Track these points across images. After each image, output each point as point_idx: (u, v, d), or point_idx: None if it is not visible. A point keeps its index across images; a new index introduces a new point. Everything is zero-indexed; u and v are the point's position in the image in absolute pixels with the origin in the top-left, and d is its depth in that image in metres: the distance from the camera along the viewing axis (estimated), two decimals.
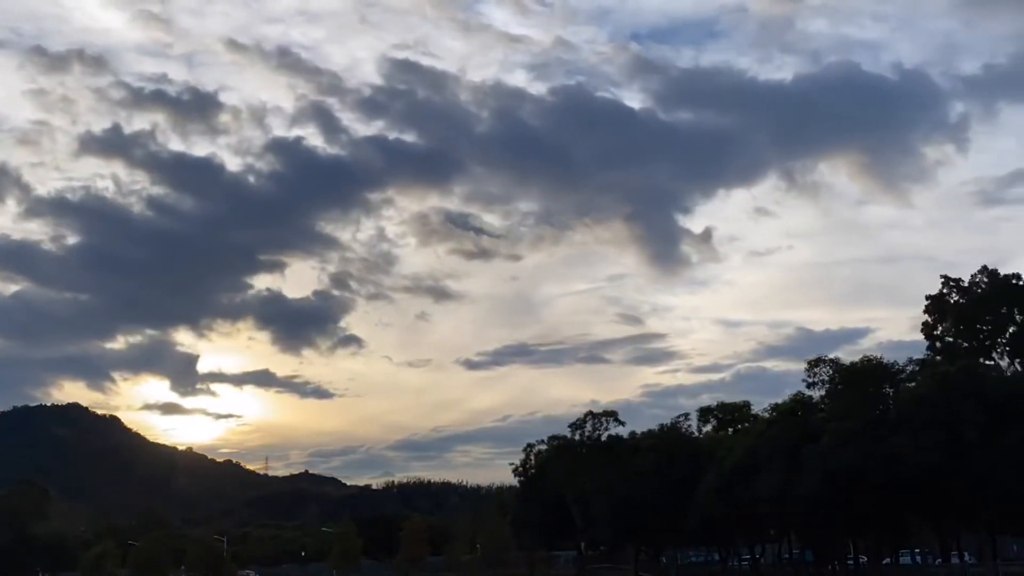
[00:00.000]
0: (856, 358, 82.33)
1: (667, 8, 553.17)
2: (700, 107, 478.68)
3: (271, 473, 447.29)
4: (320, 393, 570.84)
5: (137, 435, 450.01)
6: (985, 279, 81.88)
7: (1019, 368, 77.52)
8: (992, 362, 78.43)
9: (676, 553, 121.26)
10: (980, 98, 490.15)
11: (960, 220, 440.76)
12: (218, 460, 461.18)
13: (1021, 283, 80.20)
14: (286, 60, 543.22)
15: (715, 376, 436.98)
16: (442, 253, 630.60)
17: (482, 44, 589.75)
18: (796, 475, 74.54)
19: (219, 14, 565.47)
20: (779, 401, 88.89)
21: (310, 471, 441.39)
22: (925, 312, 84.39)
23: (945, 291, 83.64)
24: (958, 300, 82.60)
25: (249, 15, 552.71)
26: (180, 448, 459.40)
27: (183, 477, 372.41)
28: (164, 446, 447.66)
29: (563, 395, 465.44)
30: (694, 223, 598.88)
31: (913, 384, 75.09)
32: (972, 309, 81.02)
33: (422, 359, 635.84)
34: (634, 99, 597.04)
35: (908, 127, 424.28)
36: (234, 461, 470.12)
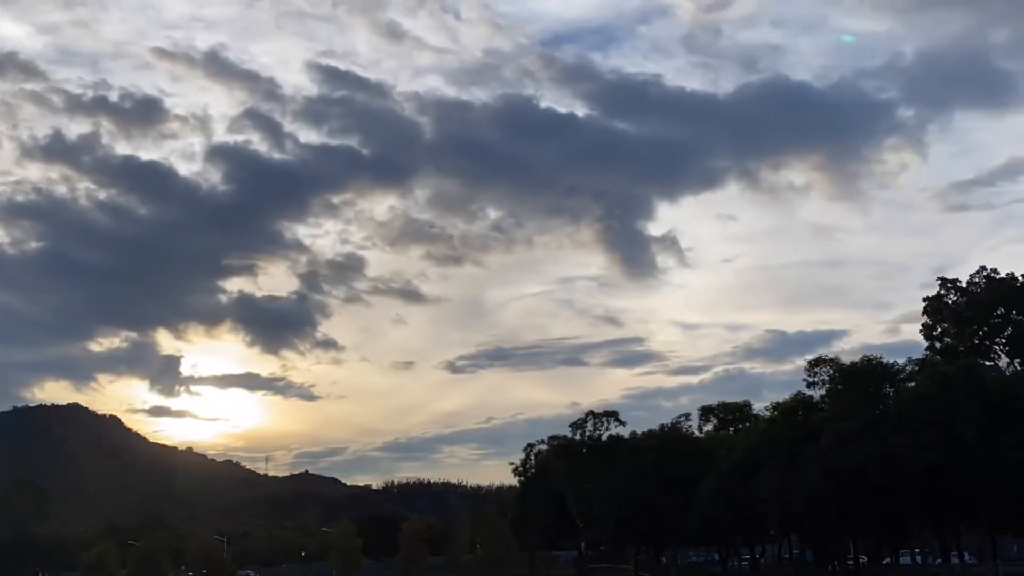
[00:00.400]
0: (849, 358, 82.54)
1: (589, 16, 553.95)
2: (644, 114, 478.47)
3: (271, 473, 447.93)
4: (303, 395, 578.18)
5: (137, 435, 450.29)
6: (983, 280, 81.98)
7: (1018, 368, 77.59)
8: (991, 362, 78.50)
9: (676, 553, 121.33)
10: (931, 104, 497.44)
11: (913, 224, 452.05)
12: (218, 460, 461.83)
13: (1019, 283, 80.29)
14: (220, 67, 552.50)
15: (694, 378, 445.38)
16: (413, 257, 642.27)
17: (407, 53, 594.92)
18: (796, 475, 74.65)
19: (148, 20, 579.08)
20: (770, 402, 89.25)
21: (309, 471, 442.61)
22: (924, 313, 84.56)
23: (943, 292, 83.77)
24: (956, 300, 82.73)
25: (178, 21, 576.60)
26: (180, 448, 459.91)
27: (183, 477, 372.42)
28: (164, 446, 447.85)
29: (543, 398, 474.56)
30: (657, 227, 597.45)
31: (913, 384, 75.16)
32: (970, 310, 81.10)
33: (402, 361, 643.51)
34: (572, 106, 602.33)
35: (859, 133, 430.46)
36: (234, 461, 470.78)
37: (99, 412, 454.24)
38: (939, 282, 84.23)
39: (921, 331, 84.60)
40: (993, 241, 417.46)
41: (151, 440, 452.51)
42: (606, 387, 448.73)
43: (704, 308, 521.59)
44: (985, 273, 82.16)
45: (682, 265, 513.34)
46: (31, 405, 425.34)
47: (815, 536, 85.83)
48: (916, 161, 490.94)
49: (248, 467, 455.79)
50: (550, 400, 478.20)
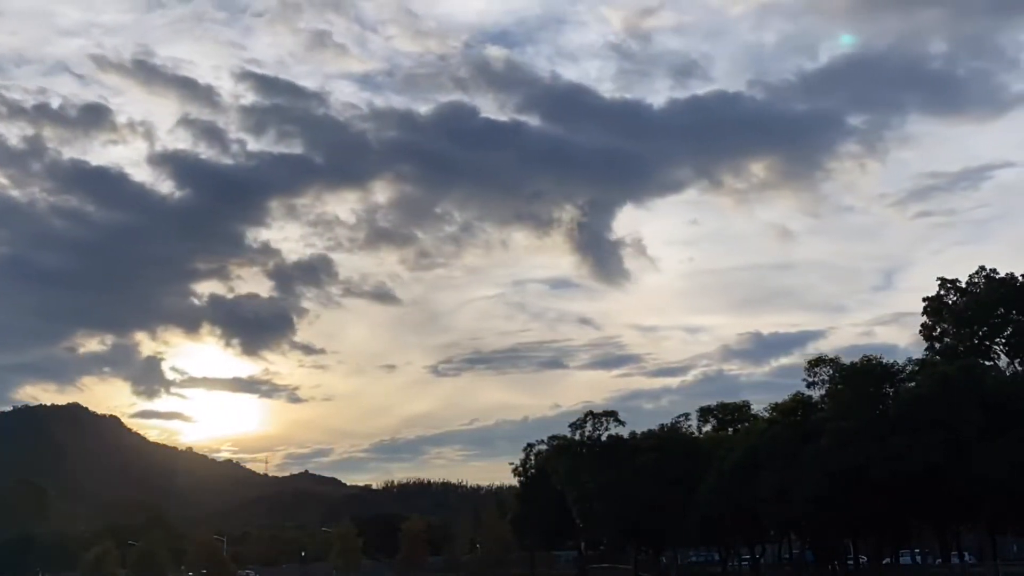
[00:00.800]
0: (848, 358, 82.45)
1: (514, 19, 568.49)
2: (589, 121, 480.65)
3: (271, 474, 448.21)
4: (285, 397, 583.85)
5: (137, 435, 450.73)
6: (983, 280, 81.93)
7: (1018, 368, 77.58)
8: (991, 362, 78.48)
9: (676, 553, 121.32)
10: (881, 110, 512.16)
11: (863, 228, 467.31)
12: (218, 460, 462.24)
13: (1019, 283, 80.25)
14: (158, 75, 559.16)
15: (673, 380, 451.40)
16: (383, 260, 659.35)
17: (332, 60, 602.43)
18: (796, 475, 74.63)
19: (85, 28, 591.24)
20: (769, 403, 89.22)
21: (309, 471, 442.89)
22: (923, 313, 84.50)
23: (943, 292, 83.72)
24: (956, 301, 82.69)
25: (112, 28, 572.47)
26: (180, 448, 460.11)
27: (183, 477, 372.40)
28: (164, 446, 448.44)
29: (524, 400, 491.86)
30: (622, 231, 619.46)
31: (913, 384, 75.15)
32: (970, 310, 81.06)
33: (383, 365, 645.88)
34: (512, 113, 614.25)
35: (810, 139, 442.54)
36: (234, 461, 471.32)
37: (99, 412, 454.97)
38: (939, 282, 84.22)
39: (921, 331, 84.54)
40: (938, 244, 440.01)
41: (151, 440, 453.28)
42: (587, 389, 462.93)
43: (668, 310, 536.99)
44: (985, 273, 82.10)
45: (648, 268, 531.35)
46: (31, 405, 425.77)
47: (815, 536, 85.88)
48: (867, 166, 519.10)
49: (248, 467, 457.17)
50: (531, 403, 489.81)
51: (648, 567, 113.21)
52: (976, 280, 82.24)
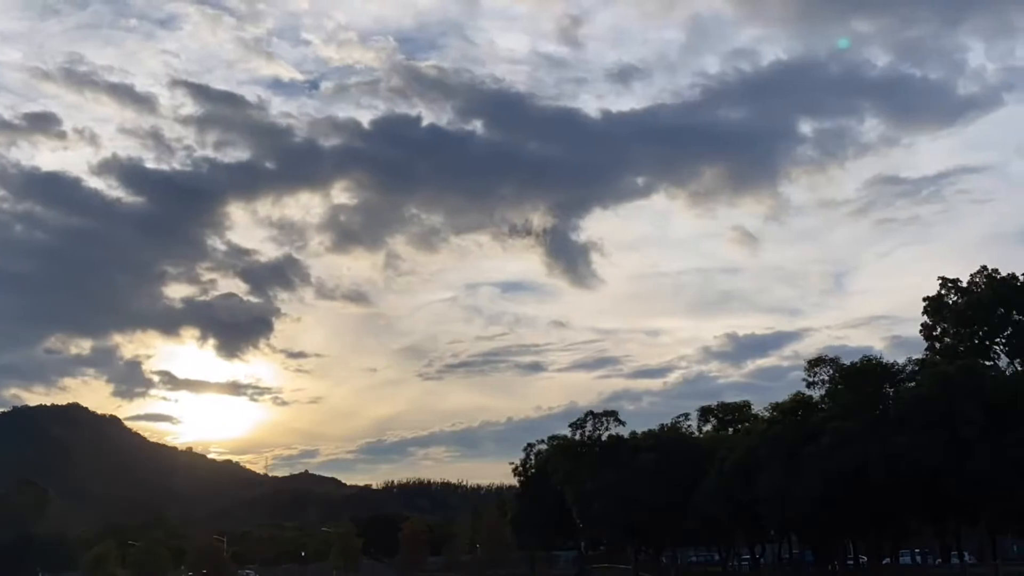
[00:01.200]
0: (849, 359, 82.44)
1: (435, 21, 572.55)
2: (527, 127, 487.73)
3: (271, 474, 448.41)
4: (270, 399, 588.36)
5: (137, 435, 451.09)
6: (983, 280, 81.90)
7: (1018, 368, 77.56)
8: (991, 362, 78.46)
9: (676, 553, 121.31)
10: (834, 118, 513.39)
11: (812, 232, 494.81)
12: (218, 460, 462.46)
13: (1019, 283, 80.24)
14: (97, 82, 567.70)
15: (655, 381, 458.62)
16: (355, 264, 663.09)
17: (260, 68, 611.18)
18: (796, 475, 74.60)
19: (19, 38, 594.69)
20: (777, 401, 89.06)
21: (309, 471, 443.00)
22: (924, 313, 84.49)
23: (943, 292, 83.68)
24: (956, 300, 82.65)
25: (48, 37, 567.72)
26: (180, 448, 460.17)
27: (183, 477, 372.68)
28: (164, 446, 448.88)
29: (503, 403, 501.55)
30: (585, 235, 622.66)
31: (913, 384, 75.14)
32: (970, 310, 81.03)
33: (366, 368, 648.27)
34: (443, 119, 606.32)
35: (760, 146, 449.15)
36: (234, 461, 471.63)
37: (99, 412, 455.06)
38: (939, 282, 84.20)
39: (921, 331, 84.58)
40: (885, 248, 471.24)
41: (151, 440, 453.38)
42: (568, 391, 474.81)
43: (635, 314, 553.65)
44: (985, 273, 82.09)
45: (613, 272, 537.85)
46: (31, 405, 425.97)
47: (815, 536, 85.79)
48: (817, 172, 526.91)
49: (249, 467, 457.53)
50: (512, 405, 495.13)
51: (648, 567, 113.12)
52: (976, 280, 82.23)
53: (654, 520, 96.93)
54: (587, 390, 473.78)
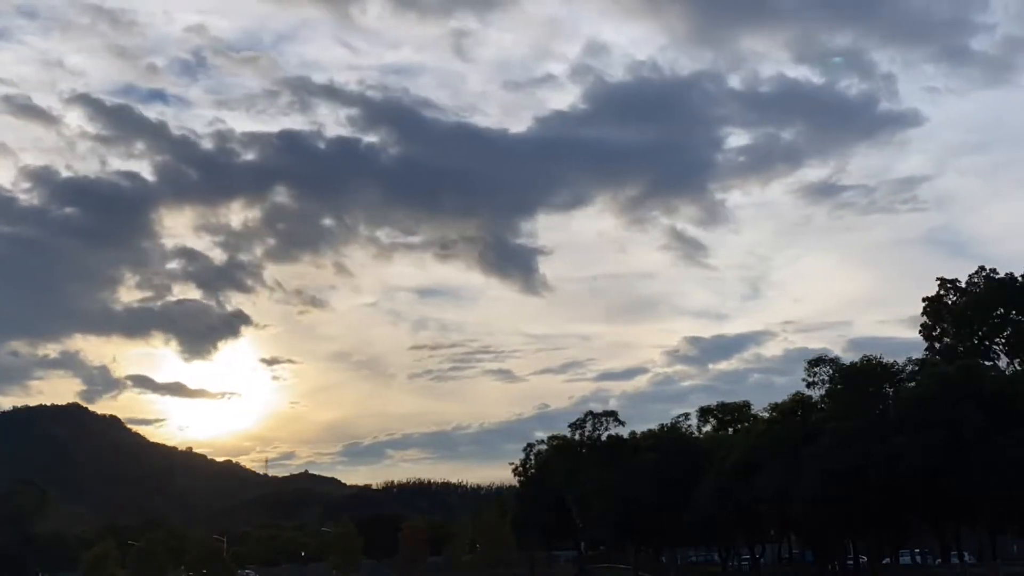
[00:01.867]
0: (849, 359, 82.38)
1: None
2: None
3: (271, 474, 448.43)
4: (237, 402, 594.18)
5: (137, 435, 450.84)
6: (983, 280, 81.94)
7: (1018, 368, 77.57)
8: (991, 362, 78.47)
9: (676, 553, 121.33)
10: (760, 129, 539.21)
11: (743, 241, 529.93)
12: (218, 460, 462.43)
13: (1019, 283, 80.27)
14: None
15: (623, 384, 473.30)
16: (306, 270, 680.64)
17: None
18: (796, 475, 74.60)
19: None
20: (777, 401, 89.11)
21: (309, 471, 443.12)
22: (923, 314, 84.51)
23: (943, 292, 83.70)
24: (956, 301, 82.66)
25: None
26: (180, 448, 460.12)
27: (183, 477, 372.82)
28: (164, 446, 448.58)
29: (481, 407, 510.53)
30: (530, 241, 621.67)
31: (913, 384, 75.12)
32: (970, 310, 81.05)
33: (340, 368, 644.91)
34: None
35: (692, 157, 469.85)
36: (234, 461, 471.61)
37: (100, 412, 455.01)
38: (939, 282, 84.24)
39: (921, 331, 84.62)
40: (796, 252, 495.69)
41: (151, 440, 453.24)
42: (540, 394, 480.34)
43: (579, 319, 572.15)
44: (985, 273, 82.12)
45: (553, 279, 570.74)
46: (31, 405, 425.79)
47: (815, 536, 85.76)
48: (742, 183, 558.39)
49: (248, 467, 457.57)
50: (480, 409, 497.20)
51: (648, 567, 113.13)
52: (976, 280, 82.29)
53: (654, 520, 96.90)
54: (557, 394, 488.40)
